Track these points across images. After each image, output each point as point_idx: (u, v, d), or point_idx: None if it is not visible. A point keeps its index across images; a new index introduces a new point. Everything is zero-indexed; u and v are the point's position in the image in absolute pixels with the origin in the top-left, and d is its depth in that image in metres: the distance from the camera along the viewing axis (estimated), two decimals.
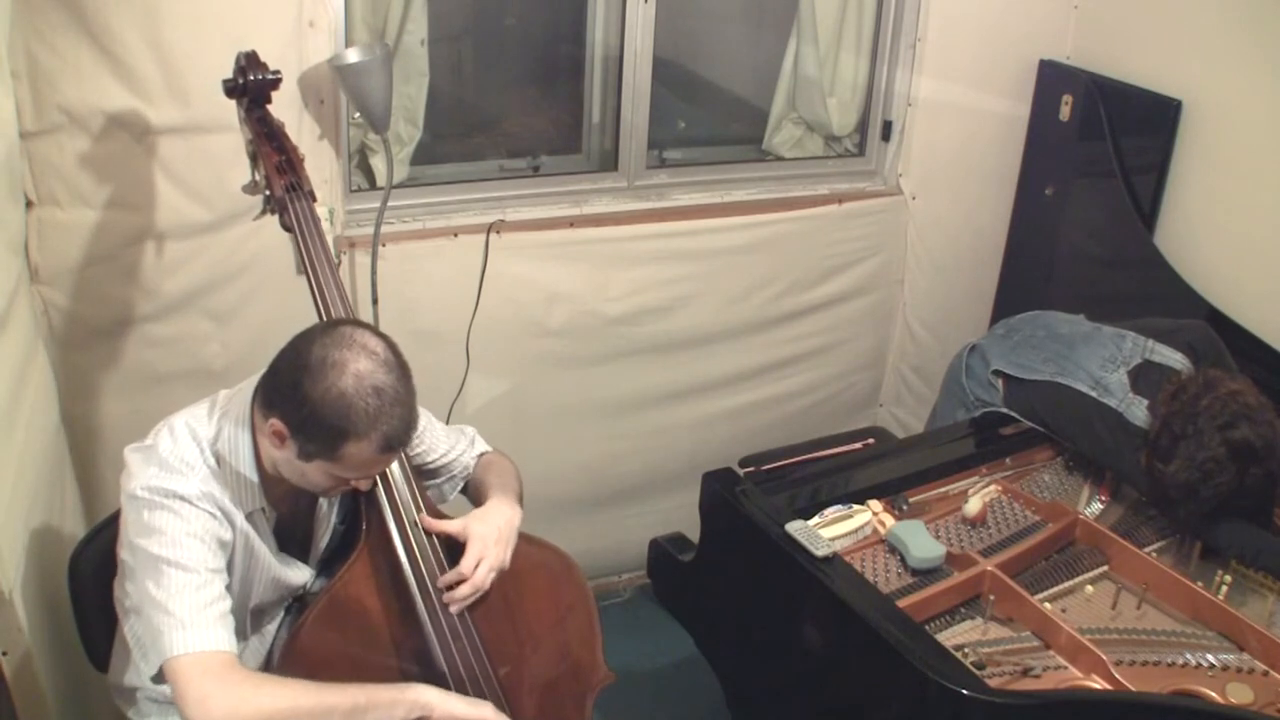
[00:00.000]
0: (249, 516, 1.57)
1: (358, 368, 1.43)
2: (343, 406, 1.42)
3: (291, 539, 1.67)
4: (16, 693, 1.78)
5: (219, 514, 1.51)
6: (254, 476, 1.54)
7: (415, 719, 1.47)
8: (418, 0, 2.53)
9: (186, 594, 1.43)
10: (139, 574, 1.47)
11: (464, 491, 1.85)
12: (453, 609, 1.60)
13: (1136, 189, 2.82)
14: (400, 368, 1.48)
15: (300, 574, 1.68)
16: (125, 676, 1.69)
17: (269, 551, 1.61)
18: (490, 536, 1.63)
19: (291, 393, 1.44)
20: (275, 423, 1.46)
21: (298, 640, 1.57)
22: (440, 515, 1.68)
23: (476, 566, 1.60)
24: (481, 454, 1.86)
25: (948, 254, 3.21)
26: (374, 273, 2.49)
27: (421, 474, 1.80)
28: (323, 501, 1.67)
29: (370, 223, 2.48)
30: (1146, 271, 2.80)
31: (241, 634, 1.66)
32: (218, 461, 1.53)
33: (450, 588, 1.60)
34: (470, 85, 2.95)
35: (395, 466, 1.64)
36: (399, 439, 1.46)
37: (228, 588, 1.52)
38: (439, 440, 1.80)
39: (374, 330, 1.50)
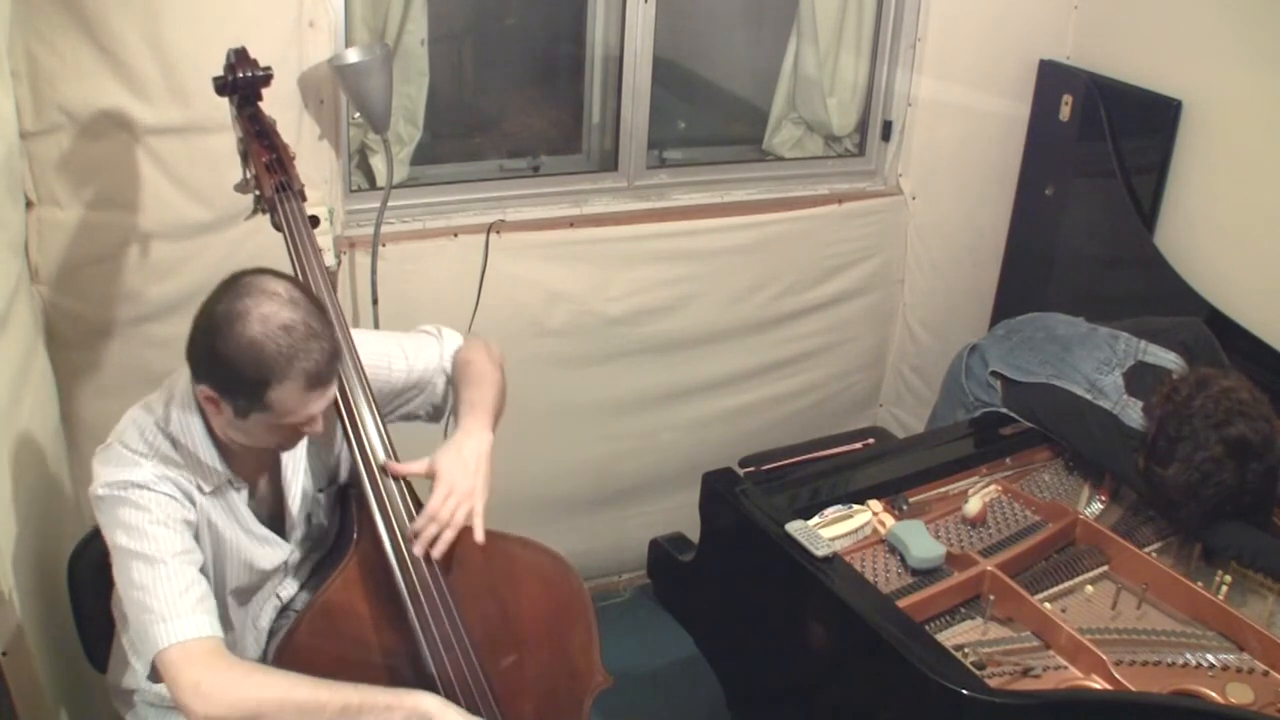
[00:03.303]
0: (216, 492, 1.56)
1: (261, 311, 1.41)
2: (255, 353, 1.40)
3: (271, 514, 1.66)
4: (16, 693, 1.78)
5: (179, 495, 1.50)
6: (211, 450, 1.54)
7: None
8: (418, 0, 2.53)
9: (160, 586, 1.43)
10: (118, 571, 1.48)
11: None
12: (416, 549, 1.56)
13: (1136, 189, 2.82)
14: (309, 303, 1.46)
15: (274, 554, 1.65)
16: (123, 679, 1.69)
17: (239, 529, 1.59)
18: (456, 468, 1.59)
19: (208, 356, 1.43)
20: (204, 389, 1.46)
21: (291, 644, 1.57)
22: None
23: (444, 502, 1.57)
24: (457, 350, 1.81)
25: (948, 254, 3.21)
26: (374, 273, 2.49)
27: (403, 399, 1.78)
28: (286, 467, 1.65)
29: (370, 223, 2.48)
30: (1146, 271, 2.80)
31: (226, 622, 1.65)
32: (173, 444, 1.53)
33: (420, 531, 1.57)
34: (470, 85, 2.95)
35: (379, 449, 1.62)
36: (323, 374, 1.45)
37: (203, 569, 1.52)
38: (399, 359, 1.76)
39: (275, 273, 1.49)
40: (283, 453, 1.63)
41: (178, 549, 1.47)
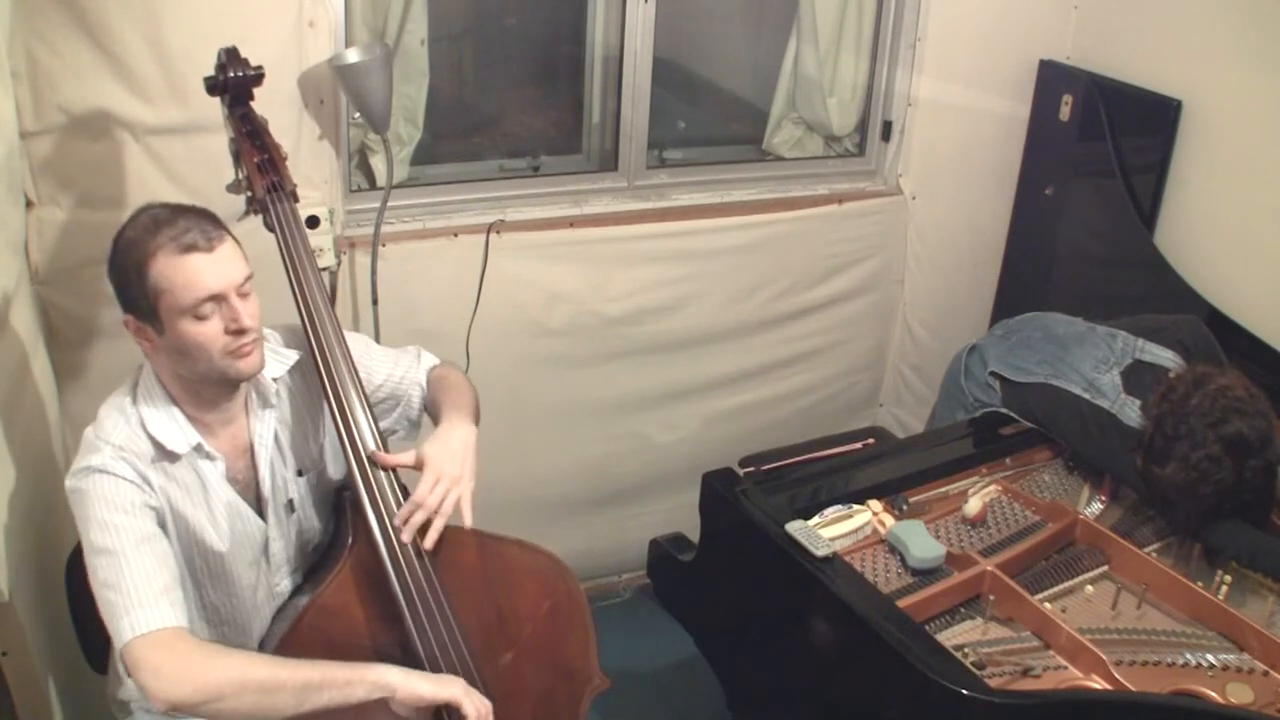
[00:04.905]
0: (185, 464, 1.56)
1: (134, 218, 1.53)
2: (128, 245, 1.50)
3: (251, 496, 1.67)
4: (16, 693, 1.78)
5: (136, 478, 1.51)
6: (180, 417, 1.57)
7: (378, 699, 1.46)
8: (418, 0, 2.53)
9: (121, 579, 1.44)
10: (89, 572, 1.48)
11: (426, 411, 1.85)
12: (404, 536, 1.58)
13: (1136, 189, 2.82)
14: (183, 206, 1.54)
15: (244, 530, 1.63)
16: (119, 691, 1.69)
17: (204, 508, 1.59)
18: (443, 456, 1.62)
19: (112, 286, 1.53)
20: (127, 321, 1.52)
21: (286, 647, 1.57)
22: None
23: (433, 489, 1.59)
24: (431, 368, 1.86)
25: (948, 254, 3.21)
26: (374, 273, 2.49)
27: (380, 409, 1.80)
28: (255, 443, 1.65)
29: (370, 223, 2.48)
30: (1146, 271, 2.80)
31: (213, 610, 1.65)
32: (141, 420, 1.55)
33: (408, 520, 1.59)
34: (470, 85, 2.95)
35: (368, 437, 1.62)
36: (192, 237, 1.48)
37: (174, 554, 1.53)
38: (379, 363, 1.81)
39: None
40: (252, 418, 1.64)
41: (138, 536, 1.47)
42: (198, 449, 1.58)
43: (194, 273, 1.48)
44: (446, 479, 1.60)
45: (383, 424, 1.82)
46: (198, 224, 1.50)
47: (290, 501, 1.70)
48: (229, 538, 1.62)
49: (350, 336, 1.77)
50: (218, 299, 1.50)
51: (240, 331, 1.52)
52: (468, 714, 1.50)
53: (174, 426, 1.56)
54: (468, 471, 1.63)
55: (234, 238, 1.55)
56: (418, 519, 1.58)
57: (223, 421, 1.62)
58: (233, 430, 1.63)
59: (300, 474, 1.72)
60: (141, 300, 1.49)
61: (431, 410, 1.81)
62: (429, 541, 1.59)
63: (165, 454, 1.55)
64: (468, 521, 1.62)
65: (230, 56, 1.76)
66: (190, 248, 1.48)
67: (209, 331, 1.50)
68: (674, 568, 2.27)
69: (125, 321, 1.53)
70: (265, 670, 1.42)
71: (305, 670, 1.43)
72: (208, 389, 1.58)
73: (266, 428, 1.66)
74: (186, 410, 1.58)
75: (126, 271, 1.49)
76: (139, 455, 1.53)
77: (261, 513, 1.67)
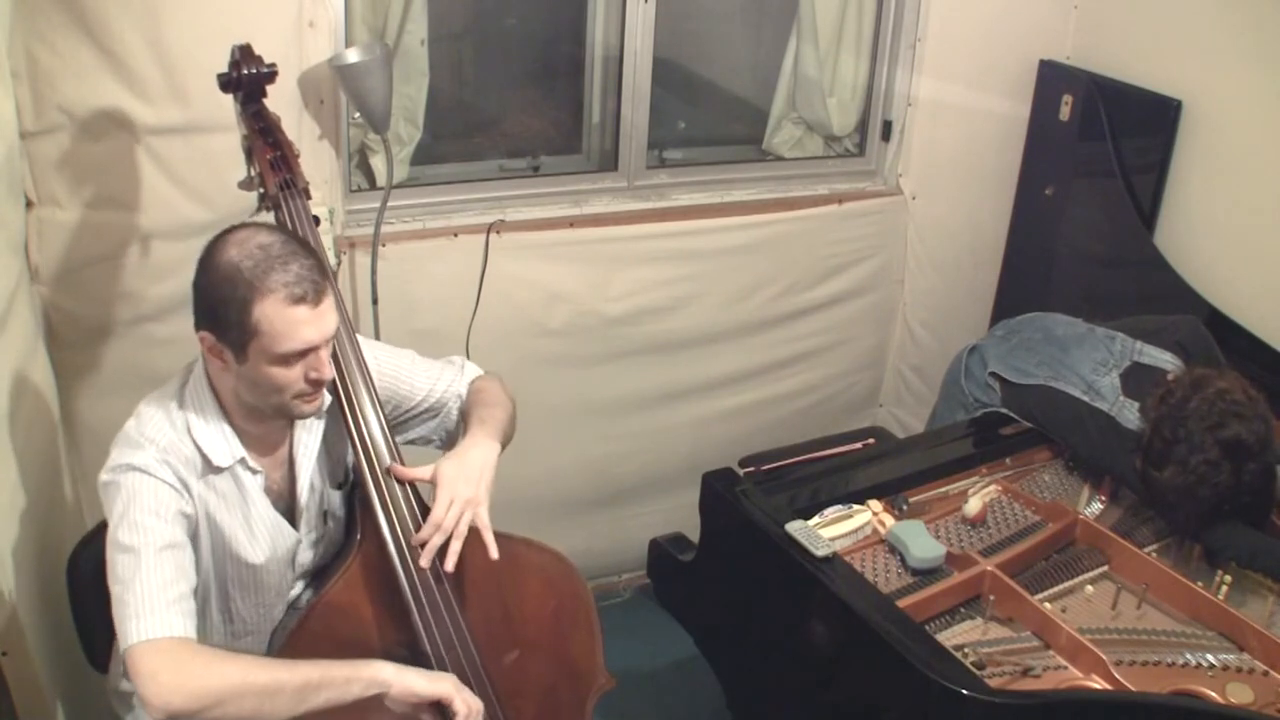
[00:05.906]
0: (226, 475, 1.56)
1: (239, 237, 1.48)
2: (232, 274, 1.45)
3: (285, 508, 1.67)
4: (16, 693, 1.78)
5: (176, 483, 1.51)
6: (223, 426, 1.56)
7: (374, 695, 1.46)
8: (418, 0, 2.53)
9: (138, 581, 1.43)
10: (108, 565, 1.48)
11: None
12: (422, 561, 1.57)
13: (1136, 189, 2.82)
14: (292, 235, 1.51)
15: (279, 542, 1.64)
16: (122, 682, 1.69)
17: (240, 520, 1.59)
18: (459, 476, 1.60)
19: (197, 294, 1.49)
20: (203, 336, 1.49)
21: (292, 643, 1.57)
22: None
23: (448, 511, 1.58)
24: (474, 379, 1.84)
25: (948, 254, 3.21)
26: (374, 273, 2.49)
27: (418, 420, 1.80)
28: (299, 459, 1.65)
29: (370, 223, 2.48)
30: (1146, 271, 2.80)
31: (238, 619, 1.65)
32: (187, 425, 1.54)
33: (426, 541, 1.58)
34: (470, 85, 2.95)
35: (383, 450, 1.62)
36: (304, 288, 1.46)
37: (199, 564, 1.53)
38: (420, 378, 1.79)
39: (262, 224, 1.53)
40: (298, 429, 1.64)
41: (164, 542, 1.47)
42: (241, 462, 1.58)
43: (297, 325, 1.47)
44: (460, 500, 1.59)
45: (418, 432, 1.82)
46: (310, 274, 1.47)
47: (326, 514, 1.71)
48: (264, 548, 1.63)
49: (396, 352, 1.77)
50: (308, 350, 1.50)
51: (319, 382, 1.53)
52: (458, 710, 1.50)
53: (221, 440, 1.56)
54: (483, 491, 1.62)
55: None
56: (435, 542, 1.57)
57: (269, 435, 1.62)
58: (275, 442, 1.64)
59: (339, 487, 1.72)
60: (233, 330, 1.46)
61: (463, 422, 1.79)
62: (449, 564, 1.58)
63: (209, 466, 1.55)
64: (493, 553, 1.60)
65: (244, 54, 1.76)
66: (300, 299, 1.46)
67: (290, 376, 1.50)
68: (674, 568, 2.27)
69: (200, 337, 1.51)
70: (266, 674, 1.42)
71: (304, 670, 1.43)
72: (262, 412, 1.58)
73: (314, 439, 1.66)
74: (235, 423, 1.58)
75: (225, 300, 1.46)
76: (182, 460, 1.52)
77: (294, 523, 1.67)
